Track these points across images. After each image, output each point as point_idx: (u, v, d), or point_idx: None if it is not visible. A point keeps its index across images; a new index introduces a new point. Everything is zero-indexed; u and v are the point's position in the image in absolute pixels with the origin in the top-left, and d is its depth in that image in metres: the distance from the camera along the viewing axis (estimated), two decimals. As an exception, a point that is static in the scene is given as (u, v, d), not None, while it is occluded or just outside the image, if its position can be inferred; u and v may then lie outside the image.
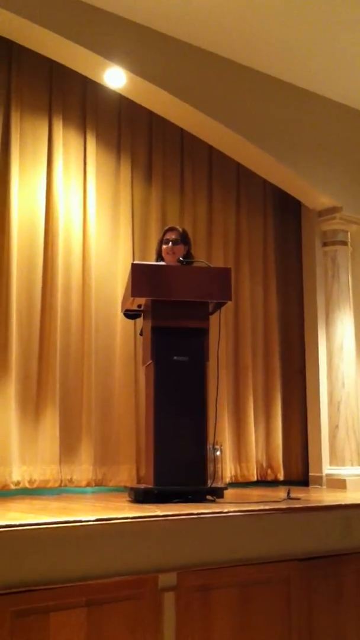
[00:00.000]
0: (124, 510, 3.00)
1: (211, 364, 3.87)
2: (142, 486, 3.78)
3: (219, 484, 3.96)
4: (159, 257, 4.16)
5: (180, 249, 4.09)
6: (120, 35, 4.89)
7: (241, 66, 5.54)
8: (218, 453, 4.07)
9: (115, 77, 4.98)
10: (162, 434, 3.63)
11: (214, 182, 5.82)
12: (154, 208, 5.43)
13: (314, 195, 5.99)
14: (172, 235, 4.11)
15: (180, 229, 4.18)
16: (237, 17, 4.97)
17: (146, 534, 2.73)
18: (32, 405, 4.65)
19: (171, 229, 4.18)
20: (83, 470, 4.75)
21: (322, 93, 5.98)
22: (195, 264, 4.12)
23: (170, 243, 4.08)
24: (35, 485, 4.53)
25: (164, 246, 4.11)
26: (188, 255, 4.11)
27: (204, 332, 3.79)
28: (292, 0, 4.80)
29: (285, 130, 5.74)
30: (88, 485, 4.75)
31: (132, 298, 3.79)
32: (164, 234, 4.17)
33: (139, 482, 4.85)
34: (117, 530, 2.65)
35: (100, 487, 4.83)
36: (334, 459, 5.77)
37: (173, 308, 3.73)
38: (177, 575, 2.78)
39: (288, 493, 3.81)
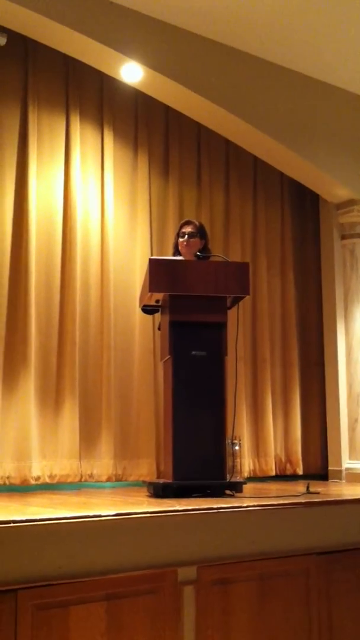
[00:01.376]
0: (143, 505, 3.01)
1: (229, 358, 3.87)
2: (161, 481, 3.79)
3: (238, 479, 3.96)
4: (176, 251, 4.16)
5: (196, 242, 4.08)
6: (137, 30, 4.88)
7: (258, 59, 5.52)
8: (237, 447, 4.06)
9: (131, 72, 4.98)
10: (180, 429, 3.63)
11: (230, 176, 5.81)
12: (171, 202, 5.43)
13: (332, 187, 5.95)
14: (187, 229, 4.11)
15: (197, 223, 4.18)
16: (255, 11, 4.94)
17: (165, 529, 2.74)
18: (51, 400, 4.68)
19: (187, 223, 4.17)
20: (103, 465, 4.78)
21: (340, 85, 5.93)
22: (212, 259, 4.12)
23: (186, 236, 4.07)
24: (55, 480, 4.56)
25: (180, 239, 4.10)
26: (205, 249, 4.10)
27: (222, 327, 3.78)
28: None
29: (303, 123, 5.70)
30: (108, 480, 4.78)
31: (149, 293, 3.79)
32: (180, 227, 4.17)
33: (159, 476, 4.87)
34: (137, 525, 2.66)
35: (120, 482, 4.85)
36: (354, 453, 5.75)
37: (191, 303, 3.73)
38: (196, 569, 2.79)
39: (307, 487, 3.80)
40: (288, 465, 5.73)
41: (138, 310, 4.55)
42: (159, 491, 3.58)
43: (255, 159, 5.91)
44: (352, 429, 5.78)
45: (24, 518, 2.41)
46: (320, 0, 4.86)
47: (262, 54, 5.50)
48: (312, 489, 3.77)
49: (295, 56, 5.53)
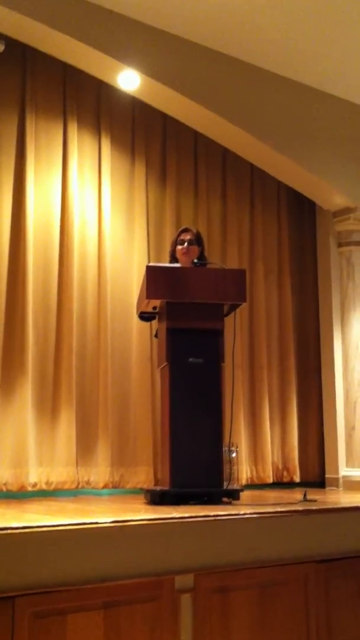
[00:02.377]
0: (141, 512, 3.00)
1: (226, 365, 3.87)
2: (159, 488, 3.78)
3: (235, 486, 3.95)
4: (173, 258, 4.17)
5: (195, 249, 4.09)
6: (134, 37, 4.90)
7: (255, 67, 5.54)
8: (234, 455, 4.06)
9: (129, 80, 5.00)
10: (178, 436, 3.63)
11: (227, 183, 5.82)
12: (169, 209, 5.44)
13: (329, 195, 5.97)
14: (186, 236, 4.11)
15: (195, 230, 4.19)
16: (250, 19, 4.96)
17: (163, 536, 2.73)
18: (48, 406, 4.67)
19: (185, 230, 4.18)
20: (100, 472, 4.77)
21: (335, 93, 5.96)
22: (209, 266, 4.12)
23: (186, 243, 4.08)
24: (52, 487, 4.55)
25: (179, 247, 4.11)
26: (201, 256, 4.11)
27: (219, 333, 3.78)
28: (306, 1, 4.79)
29: (299, 131, 5.73)
30: (105, 487, 4.77)
31: (147, 300, 3.79)
32: (179, 234, 4.17)
33: (156, 483, 4.86)
34: (134, 532, 2.65)
35: (117, 489, 4.84)
36: (351, 461, 5.75)
37: (188, 309, 3.73)
38: (194, 577, 2.78)
39: (304, 495, 3.80)
40: (285, 473, 5.72)
41: (135, 317, 4.55)
42: (157, 498, 3.58)
43: (253, 166, 5.93)
44: (349, 436, 5.78)
45: (21, 525, 2.40)
46: (318, 10, 4.89)
47: (259, 62, 5.52)
48: (309, 497, 3.76)
49: (293, 65, 5.55)
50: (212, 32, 5.12)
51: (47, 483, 4.54)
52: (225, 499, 3.61)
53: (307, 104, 5.82)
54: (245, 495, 3.88)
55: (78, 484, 4.68)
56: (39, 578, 2.39)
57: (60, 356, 4.75)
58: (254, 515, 3.02)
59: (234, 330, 3.95)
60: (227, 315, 3.95)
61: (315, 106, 5.86)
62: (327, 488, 5.72)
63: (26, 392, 4.52)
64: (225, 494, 3.63)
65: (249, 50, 5.36)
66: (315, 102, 5.87)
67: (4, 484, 4.38)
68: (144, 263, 4.93)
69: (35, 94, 4.89)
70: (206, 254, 4.22)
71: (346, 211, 5.99)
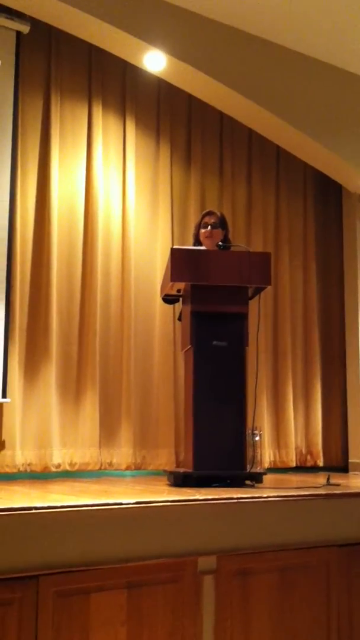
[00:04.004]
0: (164, 494, 3.01)
1: (250, 349, 3.86)
2: (182, 470, 3.79)
3: (258, 469, 3.95)
4: (197, 241, 4.14)
5: (219, 233, 4.06)
6: (160, 18, 4.86)
7: (283, 48, 5.47)
8: (257, 438, 4.05)
9: (154, 61, 4.96)
10: (201, 419, 3.63)
11: (253, 166, 5.78)
12: (193, 192, 5.41)
13: (355, 178, 5.90)
14: (210, 220, 4.08)
15: (219, 213, 4.16)
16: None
17: (186, 518, 2.74)
18: (72, 388, 4.70)
19: (209, 213, 4.15)
20: (123, 454, 4.80)
21: (364, 74, 5.88)
22: (233, 249, 4.10)
23: (209, 227, 4.05)
24: (75, 468, 4.59)
25: (202, 230, 4.09)
26: (226, 240, 4.08)
27: (243, 317, 3.77)
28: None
29: (327, 113, 5.65)
30: (128, 468, 4.80)
31: (171, 283, 3.78)
32: (202, 218, 4.15)
33: (177, 466, 4.88)
34: (157, 514, 2.66)
35: (139, 470, 4.87)
36: (374, 446, 5.72)
37: (212, 293, 3.71)
38: (216, 559, 2.79)
39: (328, 479, 3.79)
40: (308, 457, 5.71)
41: (159, 300, 4.54)
42: (180, 480, 3.59)
43: (279, 149, 5.87)
44: (373, 422, 5.75)
45: (45, 505, 2.42)
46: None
47: (287, 44, 5.45)
48: (332, 481, 3.75)
49: (321, 45, 5.47)
50: (240, 12, 5.05)
51: (70, 464, 4.59)
52: (248, 482, 3.61)
53: (334, 86, 5.73)
54: (268, 478, 3.88)
55: (101, 465, 4.71)
56: (62, 558, 2.41)
57: (84, 339, 4.77)
58: (277, 499, 3.01)
59: (258, 314, 3.93)
60: (251, 298, 3.93)
61: (345, 88, 5.78)
62: (351, 473, 5.70)
63: (50, 375, 4.55)
64: (248, 477, 3.63)
65: (277, 31, 5.28)
66: (344, 85, 5.78)
67: (28, 465, 4.43)
68: (168, 246, 4.92)
69: (61, 75, 4.88)
70: (230, 237, 4.19)
71: (373, 194, 5.93)
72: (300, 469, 5.61)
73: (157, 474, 4.79)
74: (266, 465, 5.32)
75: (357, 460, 5.76)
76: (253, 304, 3.91)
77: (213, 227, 4.05)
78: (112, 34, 4.72)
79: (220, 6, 4.99)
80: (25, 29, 4.62)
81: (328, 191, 6.18)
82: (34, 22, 4.65)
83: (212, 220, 4.07)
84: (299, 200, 6.02)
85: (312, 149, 5.69)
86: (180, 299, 4.06)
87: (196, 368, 3.69)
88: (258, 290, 3.94)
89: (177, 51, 4.91)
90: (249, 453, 3.78)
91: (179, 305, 4.20)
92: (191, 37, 5.01)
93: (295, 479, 4.62)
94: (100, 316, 4.82)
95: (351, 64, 5.74)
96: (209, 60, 5.06)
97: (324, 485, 3.59)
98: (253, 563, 2.88)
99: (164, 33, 4.86)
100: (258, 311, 3.92)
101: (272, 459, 5.49)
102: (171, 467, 4.87)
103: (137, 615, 2.56)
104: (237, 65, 5.21)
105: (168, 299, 4.19)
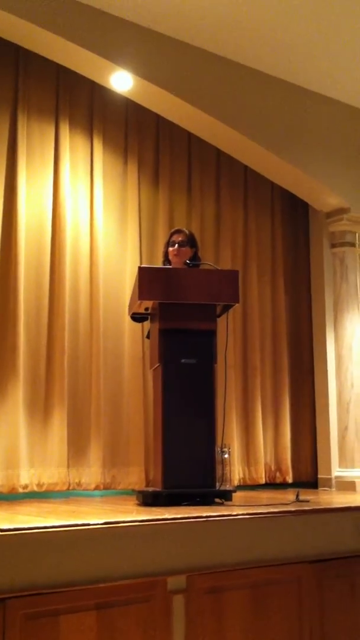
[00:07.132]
0: (132, 514, 3.00)
1: (219, 366, 3.87)
2: (151, 489, 3.78)
3: (228, 487, 3.94)
4: (166, 259, 4.16)
5: (187, 251, 4.08)
6: (127, 38, 4.90)
7: (248, 68, 5.54)
8: (226, 455, 4.05)
9: (121, 81, 4.99)
10: (170, 437, 3.62)
11: (221, 184, 5.82)
12: (162, 210, 5.43)
13: (322, 196, 5.98)
14: (178, 237, 4.10)
15: (187, 232, 4.18)
16: (243, 20, 4.96)
17: (155, 537, 2.72)
18: (40, 407, 4.66)
19: (177, 231, 4.17)
20: (92, 473, 4.76)
21: (328, 94, 5.97)
22: (202, 267, 4.12)
23: (177, 245, 4.07)
24: (43, 489, 4.54)
25: (170, 248, 4.10)
26: (195, 257, 4.10)
27: (211, 334, 3.77)
28: (299, 2, 4.79)
29: (292, 132, 5.73)
30: (97, 488, 4.75)
31: (139, 301, 3.78)
32: (170, 236, 4.17)
33: (148, 484, 4.85)
34: (126, 534, 2.64)
35: (109, 490, 4.83)
36: (343, 461, 5.75)
37: (180, 310, 3.72)
38: (186, 578, 2.77)
39: (297, 495, 3.80)
40: (278, 474, 5.72)
41: (127, 317, 4.53)
42: (149, 499, 3.57)
43: (246, 167, 5.93)
44: (342, 437, 5.78)
45: (12, 527, 2.39)
46: (314, 12, 4.89)
47: (252, 64, 5.52)
48: (302, 497, 3.76)
49: (287, 66, 5.55)
50: (206, 33, 5.11)
51: (38, 484, 4.53)
52: (217, 500, 3.60)
53: (300, 106, 5.82)
54: (237, 496, 3.87)
55: (69, 485, 4.66)
56: (30, 580, 2.38)
57: (52, 357, 4.73)
58: (247, 516, 3.01)
59: (227, 331, 3.95)
60: (220, 316, 3.95)
61: (309, 108, 5.87)
62: (320, 488, 5.73)
63: (18, 393, 4.50)
64: (217, 494, 3.62)
65: (243, 51, 5.36)
66: (308, 104, 5.87)
67: (-4, 486, 4.36)
68: (137, 264, 4.92)
69: (28, 94, 4.87)
70: (200, 254, 4.21)
71: (339, 212, 6.00)
72: (270, 485, 5.62)
73: (127, 493, 4.76)
74: (236, 482, 5.30)
75: (326, 476, 5.78)
76: (222, 321, 3.93)
77: (180, 245, 4.07)
78: (79, 54, 4.75)
79: (186, 27, 5.04)
80: (-8, 47, 4.62)
81: (296, 207, 6.25)
82: (1, 41, 4.65)
83: (180, 238, 4.09)
84: (266, 217, 6.08)
85: (278, 167, 5.76)
86: (149, 317, 4.06)
87: (165, 386, 3.69)
88: (227, 308, 3.96)
89: (143, 71, 4.95)
90: (219, 470, 3.78)
91: (147, 323, 4.20)
92: (157, 58, 5.05)
93: (265, 495, 4.63)
94: (68, 334, 4.79)
95: (317, 85, 5.82)
96: (176, 81, 5.11)
97: (293, 502, 3.60)
98: (224, 581, 2.88)
99: (131, 53, 4.90)
100: (227, 327, 3.94)
101: (241, 475, 5.49)
102: (142, 485, 4.85)
103: (107, 636, 2.53)
104: (203, 85, 5.27)
105: (136, 317, 4.19)
